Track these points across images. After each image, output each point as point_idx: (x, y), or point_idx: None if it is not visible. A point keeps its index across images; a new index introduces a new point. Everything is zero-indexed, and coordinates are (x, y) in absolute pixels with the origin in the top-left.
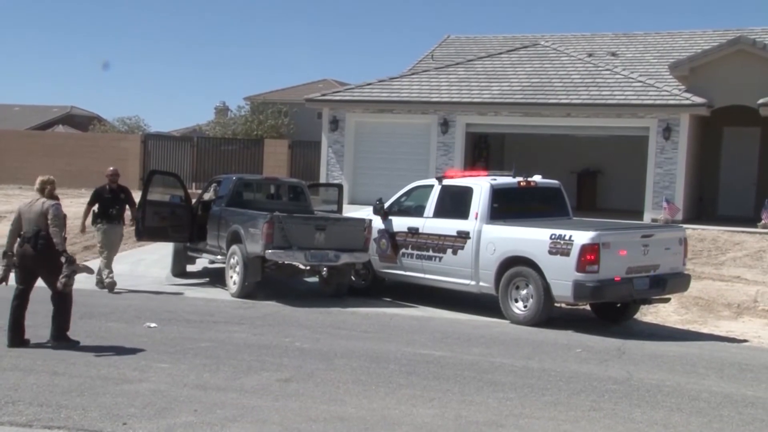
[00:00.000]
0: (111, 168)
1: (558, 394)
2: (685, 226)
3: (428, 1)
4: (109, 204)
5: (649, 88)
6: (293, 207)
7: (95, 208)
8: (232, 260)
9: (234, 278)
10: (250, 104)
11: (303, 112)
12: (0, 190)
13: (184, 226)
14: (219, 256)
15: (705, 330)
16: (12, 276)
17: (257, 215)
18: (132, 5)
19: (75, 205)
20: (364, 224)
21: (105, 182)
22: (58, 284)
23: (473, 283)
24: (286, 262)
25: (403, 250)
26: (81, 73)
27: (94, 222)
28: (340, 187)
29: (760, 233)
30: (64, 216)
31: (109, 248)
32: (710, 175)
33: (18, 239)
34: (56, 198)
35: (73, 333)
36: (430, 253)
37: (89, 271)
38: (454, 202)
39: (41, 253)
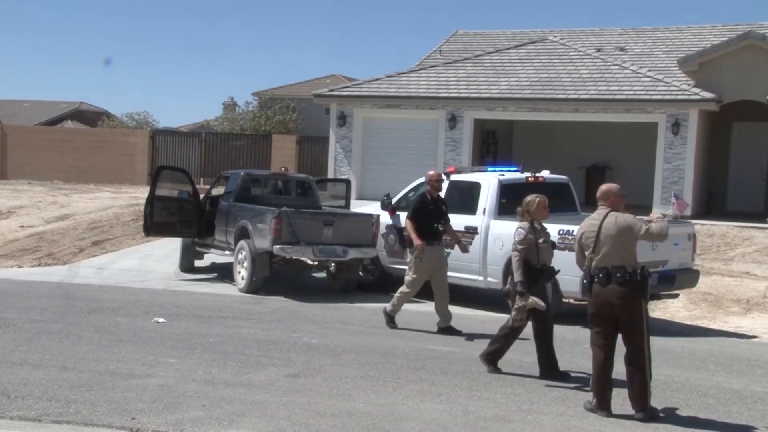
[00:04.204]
0: (433, 171)
1: (566, 390)
2: (693, 221)
3: None
4: (432, 218)
5: (658, 83)
6: (301, 202)
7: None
8: (240, 255)
9: (242, 273)
10: (258, 100)
11: (311, 107)
12: (9, 186)
13: (192, 222)
14: (227, 252)
15: (714, 326)
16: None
17: (265, 210)
18: (141, 1)
19: (84, 200)
20: (372, 219)
21: (422, 189)
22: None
23: (481, 278)
24: (294, 258)
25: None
26: (90, 69)
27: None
28: (347, 182)
29: None
30: (518, 241)
31: (421, 278)
32: (719, 171)
33: None
34: (526, 220)
35: (80, 327)
36: None
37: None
38: (462, 198)
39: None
